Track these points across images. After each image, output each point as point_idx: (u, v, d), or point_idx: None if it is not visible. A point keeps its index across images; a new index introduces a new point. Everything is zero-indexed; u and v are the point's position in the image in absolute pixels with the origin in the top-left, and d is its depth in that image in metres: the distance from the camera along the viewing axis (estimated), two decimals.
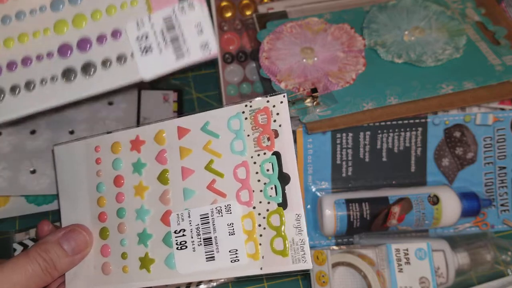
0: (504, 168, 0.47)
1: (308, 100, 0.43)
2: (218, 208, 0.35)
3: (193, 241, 0.35)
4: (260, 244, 0.34)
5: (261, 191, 0.35)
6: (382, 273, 0.41)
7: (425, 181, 0.47)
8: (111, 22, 0.34)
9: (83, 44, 0.34)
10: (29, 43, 0.35)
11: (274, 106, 0.35)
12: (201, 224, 0.35)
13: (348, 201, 0.44)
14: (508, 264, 0.45)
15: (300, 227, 0.33)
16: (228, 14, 0.54)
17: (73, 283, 0.37)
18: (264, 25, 0.50)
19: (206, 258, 0.35)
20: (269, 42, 0.48)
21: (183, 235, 0.35)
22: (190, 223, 0.35)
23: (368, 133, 0.46)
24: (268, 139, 0.35)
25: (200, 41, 0.33)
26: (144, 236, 0.36)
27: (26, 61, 0.35)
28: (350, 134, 0.46)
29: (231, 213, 0.35)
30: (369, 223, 0.44)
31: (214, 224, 0.35)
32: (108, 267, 0.37)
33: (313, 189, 0.46)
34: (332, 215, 0.44)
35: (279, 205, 0.34)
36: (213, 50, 0.33)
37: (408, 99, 0.43)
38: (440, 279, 0.43)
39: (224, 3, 0.54)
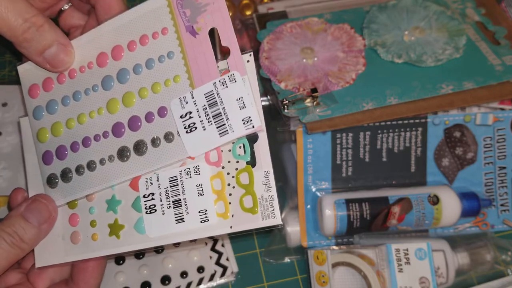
0: (504, 168, 0.47)
1: (308, 100, 0.43)
2: (187, 170, 0.35)
3: (162, 204, 0.35)
4: (229, 203, 0.34)
5: (229, 150, 0.34)
6: (382, 273, 0.41)
7: (425, 181, 0.47)
8: (158, 100, 0.35)
9: (134, 122, 0.35)
10: (87, 123, 0.36)
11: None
12: (170, 187, 0.35)
13: (348, 201, 0.44)
14: (508, 264, 0.45)
15: (269, 184, 0.33)
16: None
17: (42, 256, 0.37)
18: (264, 25, 0.50)
19: (176, 220, 0.34)
20: (269, 42, 0.48)
21: (152, 198, 0.35)
22: (159, 187, 0.35)
23: (368, 133, 0.46)
24: None
25: (242, 116, 0.33)
26: (113, 203, 0.36)
27: (86, 141, 0.36)
28: (350, 134, 0.46)
29: (200, 174, 0.35)
30: (369, 223, 0.44)
31: (183, 186, 0.35)
32: (77, 236, 0.37)
33: (313, 189, 0.46)
34: (332, 215, 0.44)
35: (247, 163, 0.34)
36: (256, 125, 0.33)
37: (408, 99, 0.43)
38: (440, 279, 0.43)
39: None
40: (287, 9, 0.52)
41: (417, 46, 0.46)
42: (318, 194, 0.46)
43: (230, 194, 0.34)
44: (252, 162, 0.34)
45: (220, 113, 0.33)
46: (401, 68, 0.45)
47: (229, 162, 0.34)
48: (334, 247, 0.44)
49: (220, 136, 0.33)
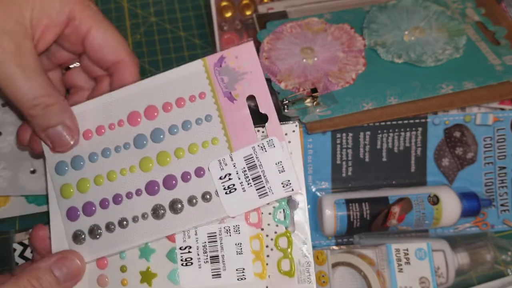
0: (504, 168, 0.47)
1: (308, 100, 0.43)
2: (227, 228, 0.36)
3: (199, 258, 0.35)
4: (267, 264, 0.35)
5: (270, 214, 0.36)
6: (382, 273, 0.41)
7: (425, 181, 0.47)
8: (194, 160, 0.35)
9: (169, 181, 0.35)
10: (118, 180, 0.36)
11: (286, 134, 0.36)
12: (208, 242, 0.36)
13: (348, 201, 0.44)
14: (508, 264, 0.45)
15: (307, 250, 0.35)
16: (228, 14, 0.54)
17: None
18: (264, 25, 0.50)
19: (212, 275, 0.35)
20: (269, 42, 0.48)
21: (189, 251, 0.36)
22: (196, 241, 0.36)
23: (368, 133, 0.46)
24: None
25: (282, 179, 0.34)
26: (146, 251, 0.36)
27: (117, 198, 0.36)
28: (350, 134, 0.46)
29: (239, 233, 0.35)
30: (369, 223, 0.44)
31: (221, 243, 0.35)
32: (104, 279, 0.36)
33: (313, 189, 0.46)
34: (332, 215, 0.44)
35: (286, 228, 0.35)
36: (295, 188, 0.34)
37: (408, 99, 0.43)
38: (440, 279, 0.43)
39: (224, 3, 0.54)
40: (287, 9, 0.52)
41: (417, 46, 0.46)
42: (318, 194, 0.46)
43: (268, 256, 0.35)
44: (292, 229, 0.35)
45: (260, 175, 0.34)
46: (401, 68, 0.45)
47: (268, 225, 0.36)
48: (334, 247, 0.44)
49: (260, 198, 0.34)
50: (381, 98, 0.43)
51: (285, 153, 0.34)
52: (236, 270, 0.35)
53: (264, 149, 0.34)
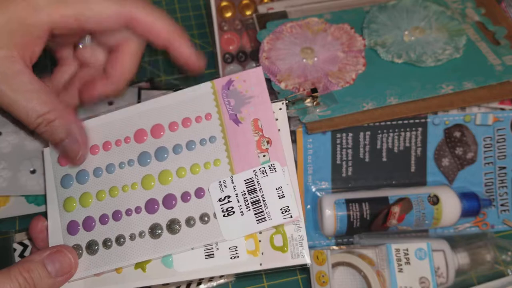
0: (504, 168, 0.47)
1: (308, 100, 0.43)
2: None
3: None
4: (259, 241, 0.35)
5: None
6: (382, 273, 0.41)
7: (425, 181, 0.47)
8: (195, 181, 0.35)
9: (168, 200, 0.35)
10: (120, 196, 0.36)
11: (273, 112, 0.36)
12: None
13: (348, 201, 0.44)
14: (508, 264, 0.45)
15: (298, 224, 0.35)
16: (228, 14, 0.54)
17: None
18: (264, 25, 0.50)
19: (206, 255, 0.35)
20: (269, 42, 0.48)
21: None
22: None
23: (368, 133, 0.46)
24: (268, 142, 0.36)
25: (281, 205, 0.34)
26: None
27: (116, 215, 0.36)
28: (350, 134, 0.46)
29: None
30: (369, 223, 0.44)
31: None
32: None
33: (313, 189, 0.46)
34: (332, 215, 0.44)
35: None
36: (294, 215, 0.34)
37: (408, 99, 0.43)
38: (440, 279, 0.43)
39: (224, 3, 0.54)
40: (287, 9, 0.52)
41: (417, 46, 0.46)
42: (318, 194, 0.46)
43: (260, 232, 0.35)
44: None
45: (259, 200, 0.34)
46: (401, 68, 0.45)
47: None
48: (334, 247, 0.44)
49: (258, 223, 0.34)
50: (381, 98, 0.43)
51: (286, 178, 0.34)
52: (229, 249, 0.35)
53: (265, 173, 0.34)
